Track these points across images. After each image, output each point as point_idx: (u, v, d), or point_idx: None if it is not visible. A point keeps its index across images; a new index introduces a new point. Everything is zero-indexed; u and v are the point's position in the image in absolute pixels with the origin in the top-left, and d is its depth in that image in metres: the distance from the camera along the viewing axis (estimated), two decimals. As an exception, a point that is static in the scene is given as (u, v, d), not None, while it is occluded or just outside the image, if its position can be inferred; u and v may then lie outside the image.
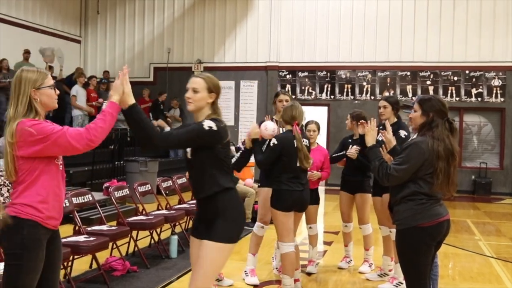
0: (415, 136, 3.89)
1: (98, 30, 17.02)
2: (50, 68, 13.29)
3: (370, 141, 3.83)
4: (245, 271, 5.59)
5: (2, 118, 10.98)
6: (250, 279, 5.51)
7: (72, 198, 5.61)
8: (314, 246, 6.10)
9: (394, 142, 4.01)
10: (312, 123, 5.90)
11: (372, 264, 6.15)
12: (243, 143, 4.93)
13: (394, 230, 5.33)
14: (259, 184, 5.61)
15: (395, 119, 5.43)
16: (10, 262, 2.89)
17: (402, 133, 5.19)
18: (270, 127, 4.78)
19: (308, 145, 4.95)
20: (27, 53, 12.37)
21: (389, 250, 5.65)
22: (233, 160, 4.68)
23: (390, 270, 5.69)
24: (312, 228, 6.02)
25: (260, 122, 5.04)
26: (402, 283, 5.29)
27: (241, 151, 4.82)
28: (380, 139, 4.38)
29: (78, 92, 12.25)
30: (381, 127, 4.89)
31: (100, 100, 13.05)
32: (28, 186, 2.90)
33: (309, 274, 5.94)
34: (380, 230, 5.80)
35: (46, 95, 2.98)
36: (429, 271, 3.64)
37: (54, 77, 13.16)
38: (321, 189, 6.11)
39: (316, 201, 5.91)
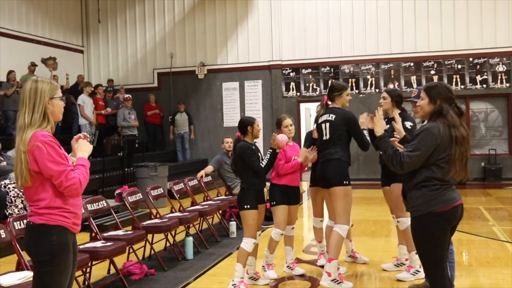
0: (425, 123, 3.90)
1: (100, 38, 17.11)
2: (55, 77, 13.41)
3: (379, 131, 3.85)
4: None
5: (11, 132, 11.06)
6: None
7: (87, 205, 5.66)
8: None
9: (403, 132, 4.02)
10: (286, 118, 5.68)
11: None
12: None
13: (401, 220, 5.39)
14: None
15: (398, 111, 5.28)
16: (41, 269, 2.94)
17: (408, 124, 5.16)
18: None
19: None
20: (33, 65, 12.47)
21: (403, 239, 5.66)
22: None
23: (406, 260, 5.69)
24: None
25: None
26: (419, 271, 5.31)
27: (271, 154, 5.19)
28: (387, 127, 4.36)
29: (84, 101, 12.30)
30: (385, 119, 4.88)
31: (108, 109, 13.15)
32: (47, 195, 2.94)
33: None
34: (393, 220, 5.80)
35: (57, 106, 3.08)
36: (446, 256, 3.65)
37: (60, 87, 13.40)
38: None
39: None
